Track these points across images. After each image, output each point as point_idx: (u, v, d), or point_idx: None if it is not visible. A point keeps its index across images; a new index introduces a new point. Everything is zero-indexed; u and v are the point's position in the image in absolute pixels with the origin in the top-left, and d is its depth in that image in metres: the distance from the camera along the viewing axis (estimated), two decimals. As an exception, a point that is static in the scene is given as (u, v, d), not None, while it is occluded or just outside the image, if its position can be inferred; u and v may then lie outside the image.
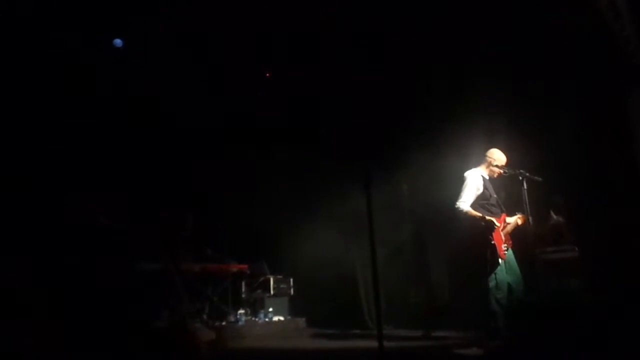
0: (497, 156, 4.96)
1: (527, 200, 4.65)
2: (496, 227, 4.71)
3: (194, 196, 7.22)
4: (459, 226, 5.03)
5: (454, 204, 4.87)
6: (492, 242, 4.67)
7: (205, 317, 6.60)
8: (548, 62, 5.60)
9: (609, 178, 5.30)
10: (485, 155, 5.02)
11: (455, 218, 4.92)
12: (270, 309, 6.83)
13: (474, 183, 4.87)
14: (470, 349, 4.50)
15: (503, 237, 4.76)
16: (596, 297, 4.65)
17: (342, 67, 6.50)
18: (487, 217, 4.74)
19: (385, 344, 3.05)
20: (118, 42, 5.61)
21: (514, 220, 4.86)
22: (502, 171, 4.89)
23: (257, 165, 7.29)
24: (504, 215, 4.88)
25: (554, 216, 5.82)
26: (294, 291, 7.34)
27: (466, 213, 4.80)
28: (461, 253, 5.65)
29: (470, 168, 5.02)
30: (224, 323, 6.43)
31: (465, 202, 4.83)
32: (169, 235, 6.33)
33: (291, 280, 7.34)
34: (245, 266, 7.15)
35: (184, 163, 7.05)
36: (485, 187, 4.88)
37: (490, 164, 4.95)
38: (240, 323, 6.41)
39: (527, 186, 4.68)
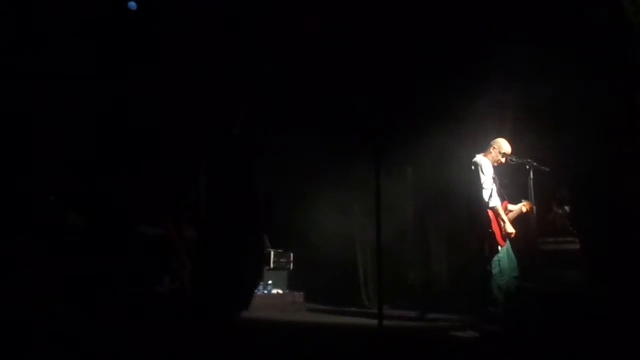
0: (502, 144, 4.96)
1: (532, 189, 4.67)
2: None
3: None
4: (460, 211, 5.06)
5: (463, 188, 4.90)
6: (490, 230, 4.71)
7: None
8: (562, 48, 5.54)
9: (615, 172, 5.30)
10: (490, 145, 5.02)
11: (456, 202, 4.95)
12: (270, 282, 6.89)
13: (489, 171, 4.85)
14: (466, 332, 4.57)
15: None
16: (594, 287, 4.70)
17: (354, 49, 6.40)
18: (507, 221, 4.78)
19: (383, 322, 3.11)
20: (132, 4, 5.53)
21: (519, 207, 4.89)
22: (505, 160, 4.89)
23: (263, 139, 7.25)
24: (505, 202, 4.92)
25: (556, 208, 5.85)
26: (293, 266, 7.40)
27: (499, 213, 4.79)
28: (461, 238, 5.70)
29: (477, 153, 5.03)
30: (223, 292, 6.50)
31: (494, 199, 4.79)
32: (172, 200, 6.34)
33: (291, 255, 7.39)
34: (247, 238, 7.21)
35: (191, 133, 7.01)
36: (493, 175, 4.90)
37: (495, 153, 4.94)
38: (239, 293, 6.48)
39: (533, 176, 4.70)
